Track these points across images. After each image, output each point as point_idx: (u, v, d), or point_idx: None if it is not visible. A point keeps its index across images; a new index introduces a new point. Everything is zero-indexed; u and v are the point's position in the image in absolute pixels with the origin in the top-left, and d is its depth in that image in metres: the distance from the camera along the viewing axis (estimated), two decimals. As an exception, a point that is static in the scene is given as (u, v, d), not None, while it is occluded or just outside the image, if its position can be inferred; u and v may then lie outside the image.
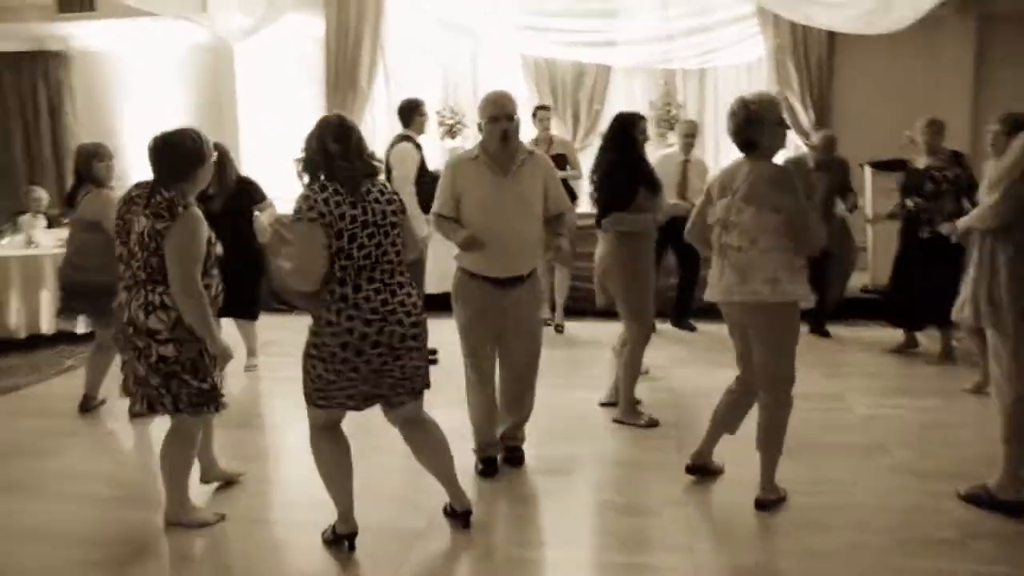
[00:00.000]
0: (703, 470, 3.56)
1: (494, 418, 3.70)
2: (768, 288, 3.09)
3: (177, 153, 2.99)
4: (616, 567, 2.90)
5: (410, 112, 5.59)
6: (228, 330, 5.41)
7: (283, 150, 9.70)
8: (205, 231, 2.97)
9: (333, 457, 2.91)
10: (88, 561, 2.92)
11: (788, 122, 3.18)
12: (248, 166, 9.49)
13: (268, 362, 5.63)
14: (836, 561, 2.87)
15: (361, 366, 2.70)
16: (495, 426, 3.72)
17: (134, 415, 4.29)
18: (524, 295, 3.53)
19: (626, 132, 4.23)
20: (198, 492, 3.40)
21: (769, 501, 3.28)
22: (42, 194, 6.87)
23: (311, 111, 8.76)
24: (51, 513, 3.34)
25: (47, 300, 6.07)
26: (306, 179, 2.75)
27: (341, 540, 2.97)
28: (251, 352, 5.59)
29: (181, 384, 2.96)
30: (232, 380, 5.24)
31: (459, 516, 3.14)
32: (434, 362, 5.39)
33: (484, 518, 3.18)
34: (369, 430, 3.24)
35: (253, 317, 5.48)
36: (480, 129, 3.48)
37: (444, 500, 3.19)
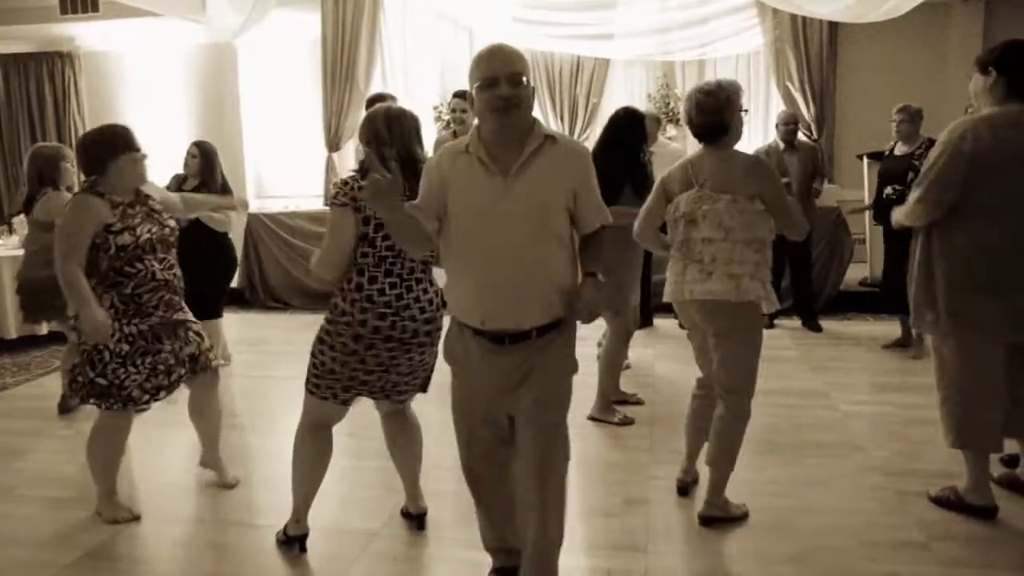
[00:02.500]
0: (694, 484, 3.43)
1: (514, 540, 2.56)
2: (731, 285, 2.93)
3: (87, 149, 3.12)
4: (565, 569, 2.85)
5: (368, 107, 5.48)
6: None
7: (285, 147, 9.79)
8: (87, 216, 3.01)
9: (313, 457, 2.89)
10: (36, 562, 2.94)
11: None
12: (251, 162, 9.60)
13: (255, 360, 5.65)
14: (794, 565, 2.80)
15: (369, 358, 2.68)
16: (512, 538, 2.57)
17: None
18: (539, 361, 2.29)
19: (620, 130, 4.18)
20: (180, 486, 3.42)
21: (714, 517, 3.10)
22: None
23: (312, 109, 8.81)
24: (14, 516, 3.36)
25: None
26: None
27: (292, 542, 2.96)
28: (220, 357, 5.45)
29: (81, 372, 3.06)
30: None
31: (414, 518, 3.13)
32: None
33: (439, 520, 3.15)
34: (337, 432, 3.22)
35: (213, 316, 5.22)
36: (472, 106, 2.30)
37: (402, 503, 3.18)
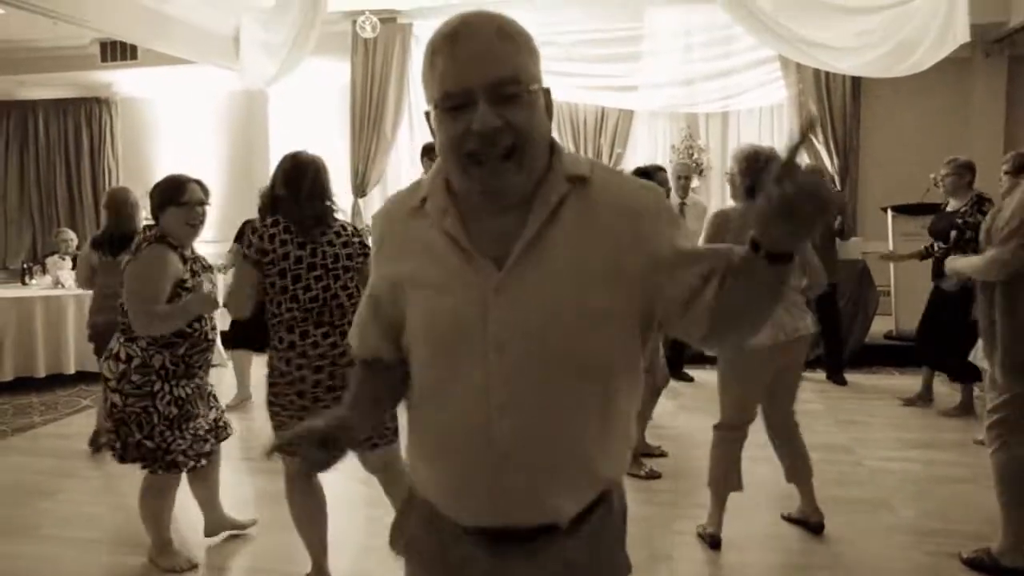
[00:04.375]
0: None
1: None
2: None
3: (155, 193, 3.07)
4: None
5: (422, 156, 5.57)
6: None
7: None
8: (167, 268, 2.93)
9: (306, 507, 2.91)
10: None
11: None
12: (278, 208, 9.76)
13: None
14: (820, 625, 2.77)
15: (319, 413, 2.69)
16: None
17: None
18: (575, 564, 1.26)
19: None
20: (196, 531, 3.43)
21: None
22: (70, 235, 7.09)
23: (339, 154, 8.97)
24: (40, 556, 3.37)
25: (70, 340, 6.25)
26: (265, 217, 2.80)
27: (315, 590, 2.95)
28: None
29: (128, 434, 2.99)
30: (243, 419, 5.31)
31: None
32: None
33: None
34: (353, 478, 3.23)
35: (261, 349, 5.45)
36: (433, 134, 1.19)
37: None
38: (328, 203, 2.79)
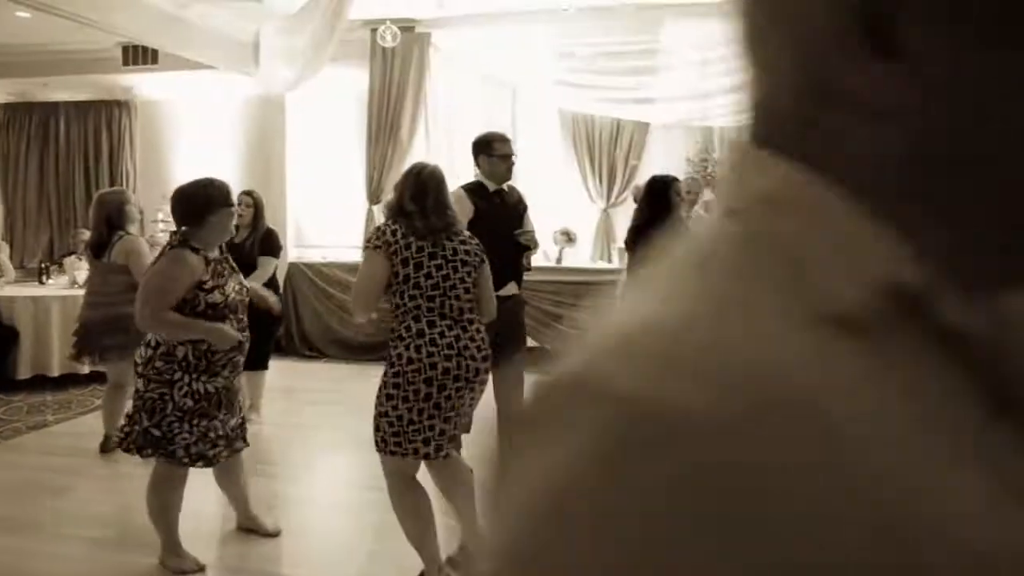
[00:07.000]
0: None
1: None
2: None
3: (190, 200, 3.15)
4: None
5: (473, 152, 4.48)
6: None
7: (326, 197, 10.03)
8: (185, 271, 3.00)
9: (416, 505, 2.90)
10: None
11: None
12: (295, 213, 9.82)
13: (288, 408, 5.70)
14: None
15: (443, 402, 2.74)
16: None
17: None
18: None
19: (652, 196, 4.52)
20: (206, 534, 3.45)
21: None
22: (87, 236, 7.15)
23: (355, 161, 9.03)
24: (46, 554, 3.40)
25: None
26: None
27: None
28: (253, 407, 5.34)
29: (138, 420, 3.05)
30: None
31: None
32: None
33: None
34: (360, 485, 3.24)
35: (262, 367, 5.26)
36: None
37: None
38: (451, 212, 2.90)
